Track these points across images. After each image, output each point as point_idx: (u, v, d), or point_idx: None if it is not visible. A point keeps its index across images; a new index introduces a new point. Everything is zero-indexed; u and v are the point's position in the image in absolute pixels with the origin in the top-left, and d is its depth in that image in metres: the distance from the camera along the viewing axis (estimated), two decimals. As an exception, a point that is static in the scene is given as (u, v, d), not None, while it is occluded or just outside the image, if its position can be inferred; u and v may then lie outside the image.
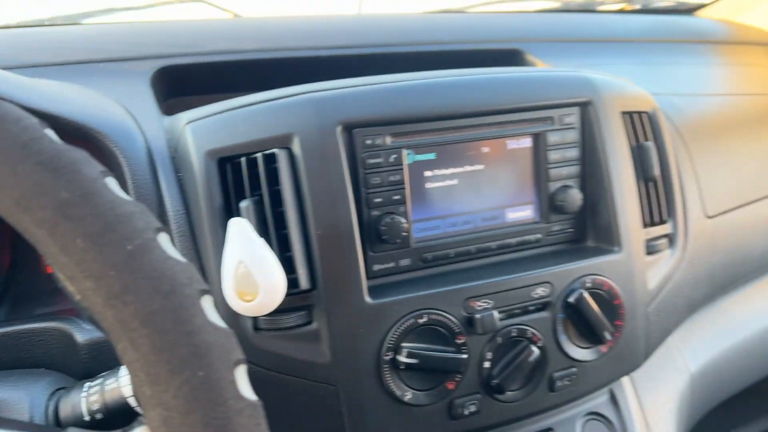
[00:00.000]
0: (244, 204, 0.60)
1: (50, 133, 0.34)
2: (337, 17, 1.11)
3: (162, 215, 0.63)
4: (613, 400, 0.78)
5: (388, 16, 1.19)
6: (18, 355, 0.61)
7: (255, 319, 0.61)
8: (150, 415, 0.32)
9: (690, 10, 1.58)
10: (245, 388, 0.33)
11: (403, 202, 0.66)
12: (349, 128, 0.64)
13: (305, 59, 0.93)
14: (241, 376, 0.33)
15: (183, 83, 0.88)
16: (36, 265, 0.74)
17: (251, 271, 0.57)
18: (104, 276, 0.33)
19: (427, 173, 0.68)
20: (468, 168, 0.70)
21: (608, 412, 0.77)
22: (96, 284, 0.33)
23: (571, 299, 0.69)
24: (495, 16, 1.25)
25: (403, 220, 0.65)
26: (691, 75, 1.21)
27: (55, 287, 0.73)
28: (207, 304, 0.34)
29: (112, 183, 0.34)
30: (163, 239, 0.33)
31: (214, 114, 0.64)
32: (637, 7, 1.56)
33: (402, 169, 0.66)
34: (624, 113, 0.76)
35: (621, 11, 1.56)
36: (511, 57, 1.07)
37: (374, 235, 0.65)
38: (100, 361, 0.60)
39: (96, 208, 0.33)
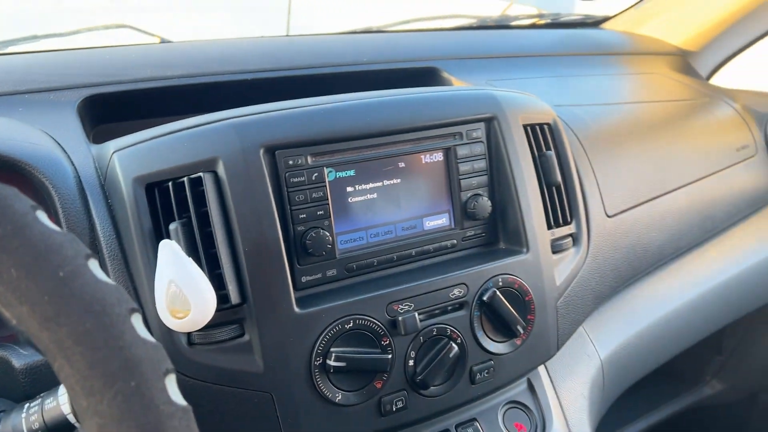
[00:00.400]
0: (173, 226, 0.64)
1: None
2: (263, 40, 1.15)
3: (94, 241, 0.66)
4: (531, 388, 0.84)
5: (312, 38, 1.25)
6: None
7: (189, 334, 0.65)
8: (87, 425, 0.36)
9: (596, 23, 1.69)
10: (175, 395, 0.37)
11: (327, 216, 0.71)
12: (271, 150, 0.68)
13: (232, 83, 0.96)
14: (171, 384, 0.37)
15: (110, 111, 0.90)
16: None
17: (182, 290, 0.60)
18: (39, 302, 0.36)
19: (349, 189, 0.73)
20: (386, 182, 0.75)
21: (527, 400, 0.83)
22: (31, 309, 0.36)
23: (485, 298, 0.76)
24: (413, 35, 1.32)
25: (327, 233, 0.70)
26: (594, 85, 1.31)
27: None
28: (136, 321, 0.38)
29: (42, 216, 0.37)
30: (93, 265, 0.37)
31: (141, 142, 0.68)
32: (548, 21, 1.67)
33: (324, 186, 0.71)
34: (526, 126, 0.83)
35: (533, 26, 1.66)
36: (427, 74, 1.13)
37: (301, 249, 0.69)
38: (38, 383, 0.62)
39: (28, 240, 0.36)
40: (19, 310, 0.36)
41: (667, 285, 1.01)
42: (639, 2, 1.63)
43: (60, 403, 0.51)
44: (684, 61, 1.56)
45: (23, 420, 0.52)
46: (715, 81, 1.56)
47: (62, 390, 0.52)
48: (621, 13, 1.66)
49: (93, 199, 0.67)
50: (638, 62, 1.51)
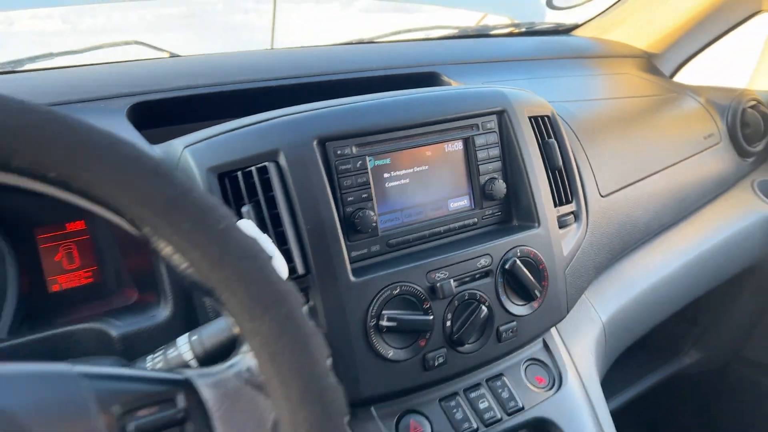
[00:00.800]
0: (245, 208, 0.73)
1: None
2: (278, 51, 1.25)
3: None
4: (546, 347, 0.96)
5: (318, 49, 1.35)
6: (55, 358, 0.70)
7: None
8: (252, 343, 0.46)
9: (567, 31, 1.84)
10: (311, 321, 0.47)
11: (369, 199, 0.81)
12: (323, 142, 0.78)
13: (257, 90, 1.06)
14: (306, 312, 0.47)
15: (152, 117, 0.99)
16: (44, 287, 0.82)
17: (260, 261, 0.70)
18: (208, 248, 0.46)
19: (386, 175, 0.84)
20: (416, 169, 0.86)
21: (544, 357, 0.94)
22: (203, 254, 0.46)
23: (507, 266, 0.87)
24: (408, 44, 1.44)
25: (372, 213, 0.80)
26: (574, 85, 1.44)
27: (60, 304, 0.81)
28: (275, 265, 0.47)
29: (195, 184, 0.47)
30: (239, 221, 0.47)
31: (211, 137, 0.77)
32: (523, 29, 1.81)
33: (367, 172, 0.81)
34: (531, 117, 0.95)
35: (510, 34, 1.80)
36: (429, 78, 1.25)
37: (350, 227, 0.80)
38: (132, 350, 0.71)
39: (194, 200, 0.46)
40: (193, 255, 0.46)
41: (654, 257, 1.14)
42: (605, 11, 1.78)
43: (182, 352, 0.59)
44: (649, 63, 1.71)
45: (149, 367, 0.60)
46: (677, 79, 1.72)
47: (181, 341, 0.60)
48: (589, 21, 1.81)
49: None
50: (608, 64, 1.66)
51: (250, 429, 0.45)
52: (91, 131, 0.45)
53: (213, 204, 0.47)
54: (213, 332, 0.59)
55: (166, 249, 0.47)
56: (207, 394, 0.46)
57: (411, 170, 0.86)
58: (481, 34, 1.78)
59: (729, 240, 1.30)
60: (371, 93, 0.89)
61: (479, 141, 0.90)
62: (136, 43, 1.41)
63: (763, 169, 1.55)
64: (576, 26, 1.83)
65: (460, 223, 0.89)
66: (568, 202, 0.98)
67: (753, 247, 1.40)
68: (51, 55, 1.29)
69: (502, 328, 0.87)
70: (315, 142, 0.78)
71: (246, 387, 0.46)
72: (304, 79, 1.12)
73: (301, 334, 0.46)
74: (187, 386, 0.46)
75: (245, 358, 0.48)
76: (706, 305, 1.51)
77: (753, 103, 1.49)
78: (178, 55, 1.31)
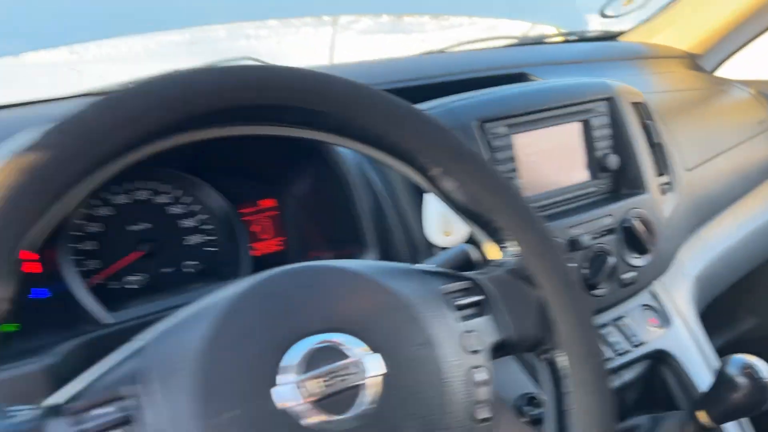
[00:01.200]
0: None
1: None
2: (401, 59, 1.44)
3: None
4: (654, 296, 1.13)
5: (427, 55, 1.54)
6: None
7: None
8: (523, 248, 0.63)
9: (613, 37, 2.04)
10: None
11: (515, 170, 0.99)
12: (482, 123, 0.97)
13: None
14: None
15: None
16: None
17: (449, 219, 0.88)
18: (486, 180, 0.63)
19: (526, 150, 1.02)
20: (547, 146, 1.04)
21: (653, 303, 1.12)
22: (481, 186, 0.63)
23: (626, 225, 1.05)
24: (488, 51, 1.63)
25: (518, 182, 0.98)
26: (631, 82, 1.63)
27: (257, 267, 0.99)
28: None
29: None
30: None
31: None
32: (576, 38, 2.00)
33: (512, 148, 0.99)
34: (631, 103, 1.14)
35: (565, 41, 1.99)
36: (519, 78, 1.43)
37: (505, 193, 0.97)
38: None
39: (469, 150, 0.64)
40: (473, 186, 0.63)
41: (730, 222, 1.32)
42: (647, 19, 1.97)
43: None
44: (692, 62, 1.90)
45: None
46: (718, 74, 1.91)
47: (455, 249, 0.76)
48: (634, 28, 2.01)
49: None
50: (656, 64, 1.84)
51: (523, 307, 0.62)
52: (400, 104, 0.62)
53: (477, 152, 0.65)
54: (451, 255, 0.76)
55: (449, 184, 0.64)
56: (489, 285, 0.63)
57: (543, 147, 1.04)
58: (539, 41, 1.97)
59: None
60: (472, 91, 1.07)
61: (594, 122, 1.08)
62: (249, 58, 1.60)
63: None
64: (621, 33, 2.02)
65: (584, 191, 1.07)
66: (664, 173, 1.16)
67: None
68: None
69: (623, 276, 1.04)
70: (477, 123, 0.96)
71: (516, 279, 0.63)
72: (423, 81, 1.30)
73: (551, 241, 0.64)
74: (474, 281, 0.63)
75: (511, 260, 0.64)
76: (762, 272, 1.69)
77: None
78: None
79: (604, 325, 1.04)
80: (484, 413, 0.56)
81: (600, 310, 1.04)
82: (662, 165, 1.16)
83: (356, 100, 0.57)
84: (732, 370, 0.80)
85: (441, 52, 1.71)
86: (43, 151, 0.43)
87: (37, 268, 0.85)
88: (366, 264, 0.60)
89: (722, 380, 0.81)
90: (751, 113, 1.57)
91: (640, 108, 1.16)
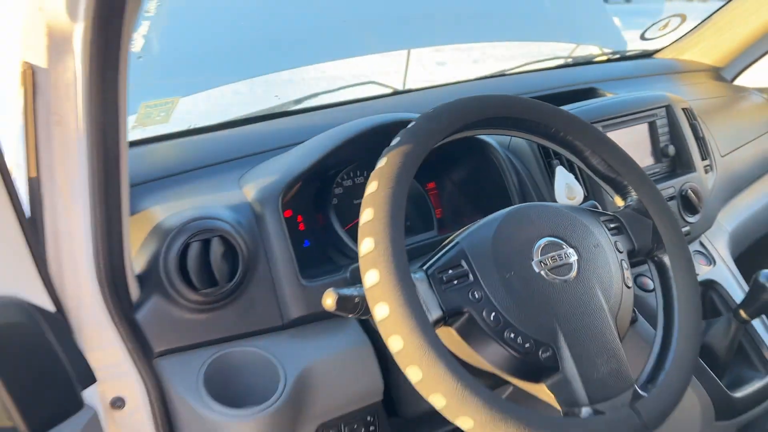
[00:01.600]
0: (556, 162, 1.37)
1: None
2: (465, 83, 1.90)
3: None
4: (702, 244, 1.59)
5: (502, 77, 2.00)
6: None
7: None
8: (640, 193, 1.09)
9: (650, 55, 2.50)
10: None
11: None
12: (586, 126, 1.43)
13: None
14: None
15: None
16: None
17: (574, 187, 1.35)
18: (611, 150, 1.10)
19: (613, 144, 1.48)
20: (625, 140, 1.50)
21: (701, 249, 1.58)
22: (610, 153, 1.10)
23: (683, 193, 1.50)
24: (561, 70, 2.09)
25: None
26: (670, 92, 2.09)
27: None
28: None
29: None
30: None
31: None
32: (618, 56, 2.46)
33: (605, 142, 1.46)
34: (682, 108, 1.60)
35: (608, 60, 2.45)
36: (588, 92, 1.89)
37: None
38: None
39: (593, 128, 1.11)
40: (602, 151, 1.09)
41: (755, 193, 1.79)
42: (679, 39, 2.43)
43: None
44: (716, 73, 2.36)
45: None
46: (737, 83, 2.37)
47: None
48: (667, 46, 2.46)
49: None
50: (686, 77, 2.31)
51: (641, 230, 1.08)
52: (563, 113, 1.09)
53: (609, 138, 1.12)
54: None
55: (595, 159, 1.10)
56: (622, 218, 1.09)
57: (623, 141, 1.50)
58: (589, 61, 2.44)
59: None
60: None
61: (658, 123, 1.55)
62: (371, 82, 2.07)
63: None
64: (656, 51, 2.48)
65: (651, 171, 1.53)
66: (706, 158, 1.62)
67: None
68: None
69: (684, 229, 1.50)
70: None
71: (637, 214, 1.09)
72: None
73: (657, 190, 1.10)
74: (615, 215, 1.09)
75: (633, 203, 1.10)
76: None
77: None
78: (400, 91, 1.95)
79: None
80: (629, 282, 1.03)
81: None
82: (705, 152, 1.62)
83: (554, 114, 1.05)
84: (762, 279, 1.26)
85: (501, 74, 2.16)
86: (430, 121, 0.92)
87: (302, 227, 1.33)
88: (559, 204, 1.07)
89: (756, 286, 1.27)
90: (766, 114, 2.03)
91: (688, 112, 1.62)
